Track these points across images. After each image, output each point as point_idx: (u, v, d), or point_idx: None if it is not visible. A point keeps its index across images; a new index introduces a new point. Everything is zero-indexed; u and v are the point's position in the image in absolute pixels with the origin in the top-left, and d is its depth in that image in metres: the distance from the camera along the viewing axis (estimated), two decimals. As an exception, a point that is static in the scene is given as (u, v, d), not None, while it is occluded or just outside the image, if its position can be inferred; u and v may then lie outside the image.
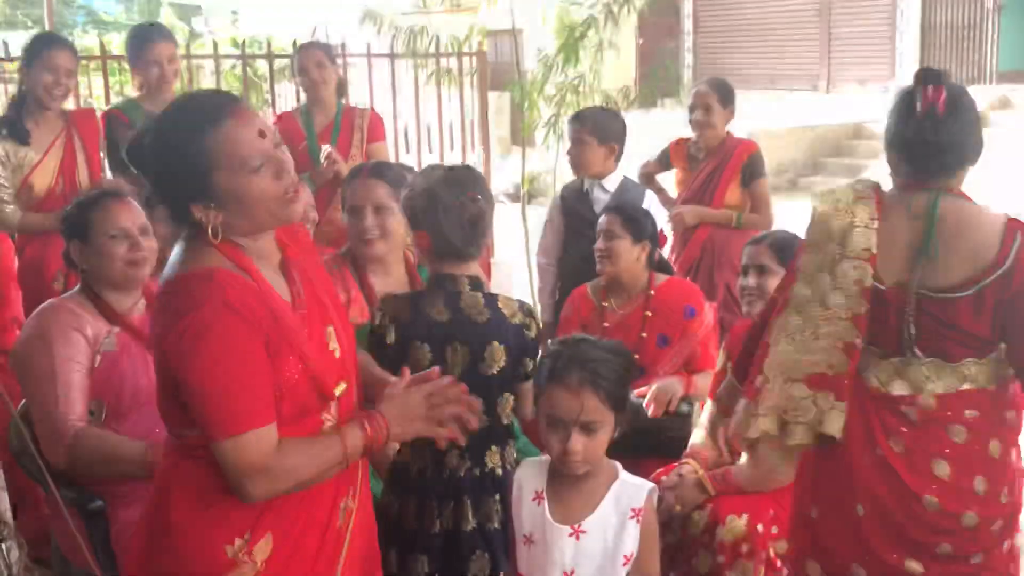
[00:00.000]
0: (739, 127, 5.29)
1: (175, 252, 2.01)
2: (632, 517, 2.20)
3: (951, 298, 2.40)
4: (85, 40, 16.29)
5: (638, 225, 3.77)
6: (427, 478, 2.53)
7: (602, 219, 3.81)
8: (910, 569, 2.46)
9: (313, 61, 4.78)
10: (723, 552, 3.00)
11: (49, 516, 2.75)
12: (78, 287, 2.89)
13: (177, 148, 1.93)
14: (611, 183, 4.37)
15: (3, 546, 2.37)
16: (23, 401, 2.87)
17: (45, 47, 4.23)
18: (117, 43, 10.26)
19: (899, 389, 2.48)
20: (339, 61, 5.27)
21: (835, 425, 2.43)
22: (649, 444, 3.39)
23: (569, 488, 2.25)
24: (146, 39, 4.46)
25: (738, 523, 3.01)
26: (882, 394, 2.49)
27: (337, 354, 2.10)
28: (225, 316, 1.89)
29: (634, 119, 10.05)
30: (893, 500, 2.46)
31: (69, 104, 4.69)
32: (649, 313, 3.76)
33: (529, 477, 2.32)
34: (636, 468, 3.26)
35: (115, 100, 6.05)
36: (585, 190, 4.44)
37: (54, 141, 4.27)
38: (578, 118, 4.52)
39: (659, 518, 3.15)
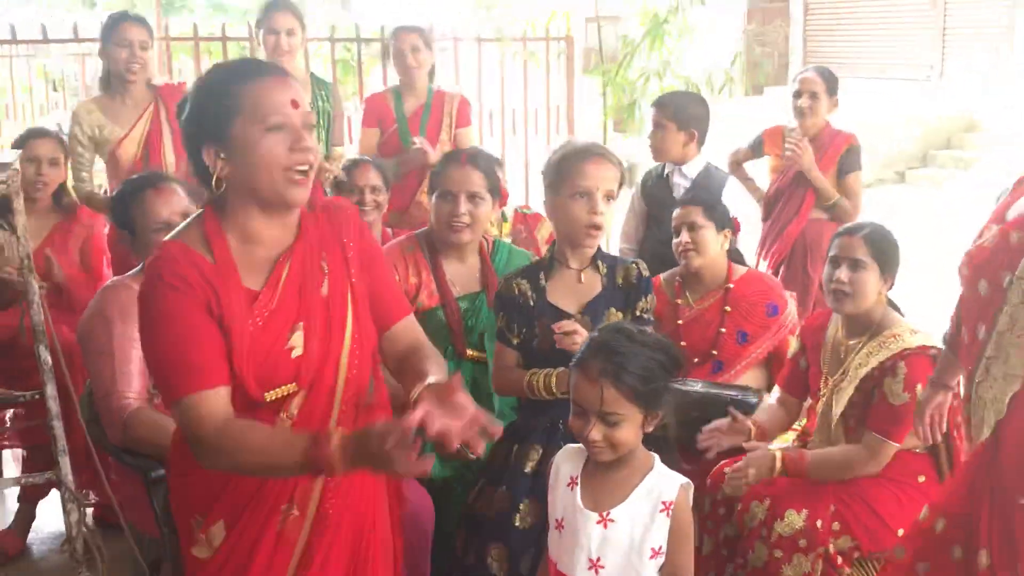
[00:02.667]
0: (848, 116, 5.14)
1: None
2: (662, 510, 2.14)
3: None
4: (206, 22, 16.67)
5: (719, 212, 3.68)
6: None
7: (678, 211, 3.71)
8: None
9: (409, 45, 4.78)
10: (780, 546, 2.94)
11: (115, 482, 2.82)
12: (140, 266, 2.94)
13: (210, 89, 1.99)
14: (692, 169, 4.27)
15: (66, 508, 2.42)
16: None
17: (117, 23, 4.30)
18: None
19: None
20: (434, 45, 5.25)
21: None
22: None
23: (602, 476, 2.21)
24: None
25: (796, 518, 2.95)
26: None
27: (295, 354, 2.02)
28: (161, 289, 1.93)
29: (737, 106, 9.90)
30: None
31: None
32: (728, 308, 3.66)
33: (566, 462, 2.29)
34: (698, 463, 3.28)
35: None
36: (665, 175, 4.35)
37: (140, 115, 4.34)
38: (658, 103, 4.42)
39: (719, 509, 3.14)
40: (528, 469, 2.70)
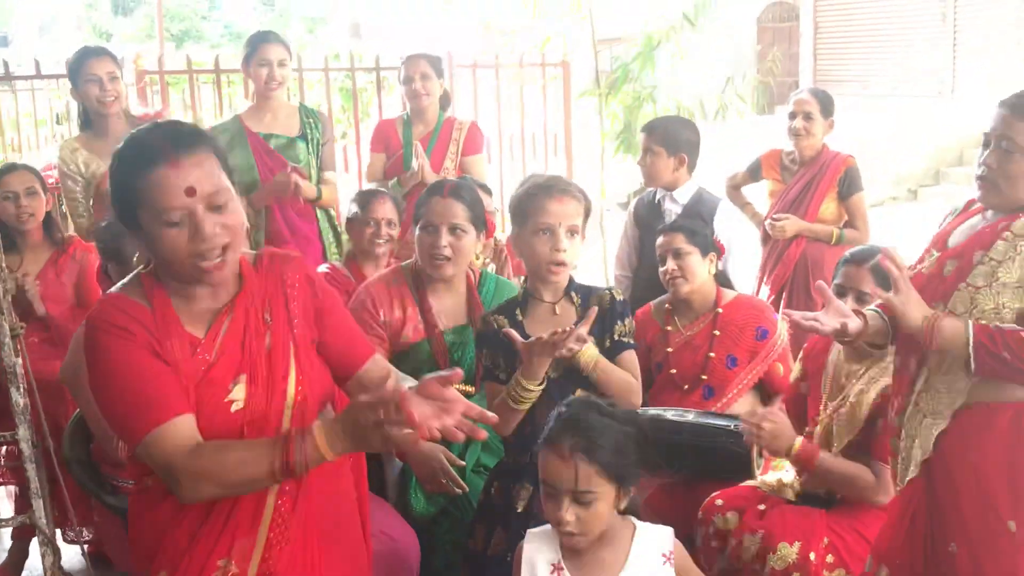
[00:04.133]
0: (859, 134, 5.11)
1: None
2: (665, 562, 2.09)
3: None
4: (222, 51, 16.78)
5: (703, 237, 3.66)
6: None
7: (661, 239, 3.69)
8: None
9: (418, 72, 4.79)
10: (773, 580, 2.88)
11: (98, 522, 2.79)
12: None
13: (117, 179, 1.97)
14: (684, 194, 4.23)
15: (41, 551, 2.40)
16: (77, 410, 2.93)
17: (82, 60, 4.30)
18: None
19: None
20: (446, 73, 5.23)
21: None
22: (704, 466, 3.26)
23: (589, 554, 2.13)
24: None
25: (790, 551, 2.89)
26: None
27: (235, 407, 1.99)
28: (104, 338, 1.92)
29: (748, 126, 9.84)
30: None
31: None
32: (717, 332, 3.63)
33: (540, 550, 2.19)
34: (691, 491, 3.25)
35: (227, 113, 6.16)
36: (656, 201, 4.31)
37: None
38: (648, 128, 4.38)
39: (711, 542, 3.08)
40: (520, 508, 2.65)
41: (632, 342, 2.71)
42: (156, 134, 1.95)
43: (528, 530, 2.25)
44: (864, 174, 4.99)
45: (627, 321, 2.70)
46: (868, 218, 4.87)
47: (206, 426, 1.94)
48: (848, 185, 4.78)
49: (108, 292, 2.03)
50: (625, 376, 2.63)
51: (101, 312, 1.96)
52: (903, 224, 9.55)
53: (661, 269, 3.66)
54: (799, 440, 2.96)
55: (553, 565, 2.17)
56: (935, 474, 2.46)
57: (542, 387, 2.53)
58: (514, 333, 2.55)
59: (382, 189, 4.31)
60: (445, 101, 4.97)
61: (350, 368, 2.19)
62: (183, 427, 1.91)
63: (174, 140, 1.93)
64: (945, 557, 2.43)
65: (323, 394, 2.14)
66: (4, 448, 3.90)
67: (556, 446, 2.08)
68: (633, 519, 2.18)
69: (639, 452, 2.08)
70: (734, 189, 5.15)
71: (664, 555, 2.11)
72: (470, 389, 3.09)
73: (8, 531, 4.07)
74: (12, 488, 4.17)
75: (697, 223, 3.78)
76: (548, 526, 2.18)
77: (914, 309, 2.42)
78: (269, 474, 1.88)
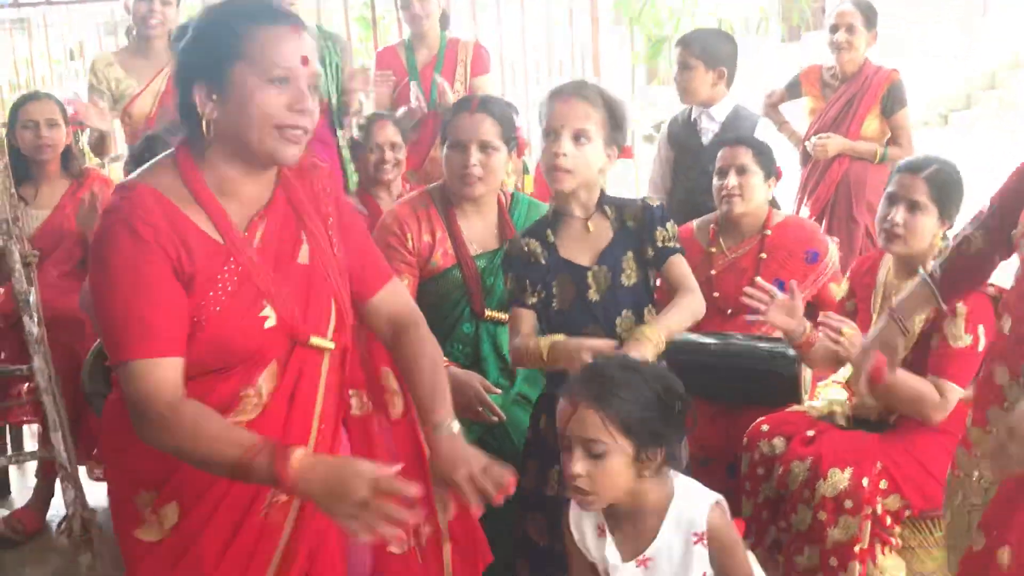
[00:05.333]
0: (888, 57, 4.92)
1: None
2: (696, 542, 1.96)
3: None
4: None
5: (768, 158, 3.48)
6: None
7: (725, 152, 3.50)
8: None
9: None
10: (824, 508, 2.76)
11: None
12: None
13: (215, 24, 1.83)
14: (721, 111, 4.05)
15: (63, 486, 2.31)
16: (97, 342, 2.84)
17: None
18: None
19: None
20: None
21: None
22: (748, 391, 3.15)
23: (626, 518, 2.02)
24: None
25: (841, 477, 2.76)
26: None
27: (268, 324, 1.86)
28: (122, 236, 1.76)
29: (772, 52, 9.59)
30: None
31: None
32: (764, 255, 3.48)
33: (585, 515, 2.09)
34: (735, 418, 3.15)
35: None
36: (693, 119, 4.13)
37: (158, 72, 4.26)
38: (684, 42, 4.16)
39: (757, 469, 2.95)
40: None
41: (678, 246, 2.53)
42: (263, 3, 1.85)
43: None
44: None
45: (669, 226, 2.51)
46: (911, 135, 4.69)
47: (237, 341, 1.82)
48: (892, 101, 4.61)
49: (137, 179, 1.84)
50: (680, 310, 2.44)
51: (131, 204, 1.78)
52: (935, 148, 9.33)
53: (718, 183, 3.49)
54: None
55: (599, 525, 2.06)
56: None
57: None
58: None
59: (383, 113, 4.18)
60: (444, 21, 4.80)
61: (364, 293, 2.08)
62: (171, 371, 1.77)
63: (285, 10, 1.87)
64: None
65: (354, 321, 2.02)
66: (25, 385, 3.83)
67: (569, 394, 1.95)
68: (673, 483, 2.02)
69: (664, 412, 1.93)
70: (772, 107, 4.97)
71: (695, 535, 1.97)
72: (503, 316, 2.96)
73: (33, 470, 4.02)
74: (36, 428, 4.12)
75: (766, 143, 3.57)
76: None
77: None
78: (231, 467, 1.72)
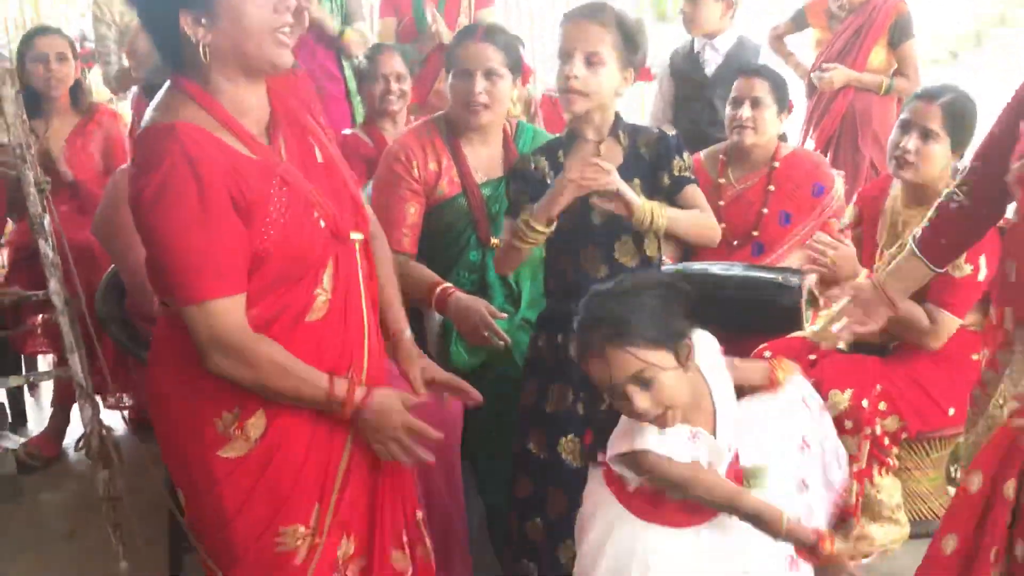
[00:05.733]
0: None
1: (154, 99, 1.88)
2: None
3: None
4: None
5: (783, 91, 3.50)
6: None
7: (741, 82, 3.50)
8: None
9: None
10: (825, 428, 2.82)
11: (136, 380, 2.77)
12: None
13: None
14: (724, 42, 4.05)
15: (80, 405, 2.38)
16: (110, 268, 2.89)
17: None
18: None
19: None
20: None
21: None
22: (752, 320, 3.18)
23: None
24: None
25: (841, 398, 2.84)
26: None
27: (322, 223, 1.93)
28: (183, 175, 1.76)
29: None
30: None
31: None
32: (772, 187, 3.51)
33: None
34: (739, 347, 3.12)
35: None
36: (695, 52, 4.12)
37: None
38: None
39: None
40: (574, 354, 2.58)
41: (693, 177, 2.55)
42: None
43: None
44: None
45: (685, 156, 2.52)
46: (919, 66, 4.67)
47: (304, 250, 1.90)
48: (899, 32, 4.57)
49: (164, 118, 1.83)
50: (692, 214, 2.46)
51: (177, 145, 1.78)
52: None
53: (731, 112, 3.50)
54: (864, 272, 2.84)
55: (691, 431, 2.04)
56: None
57: (551, 229, 2.41)
58: None
59: (388, 44, 4.18)
60: None
61: None
62: (242, 306, 1.84)
63: None
64: None
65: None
66: (40, 316, 3.90)
67: (588, 350, 1.97)
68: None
69: (675, 309, 1.97)
70: (777, 39, 4.96)
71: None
72: (511, 242, 2.99)
73: (49, 400, 4.11)
74: (52, 359, 4.20)
75: (782, 76, 3.58)
76: None
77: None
78: (303, 398, 1.91)
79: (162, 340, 1.99)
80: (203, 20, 1.81)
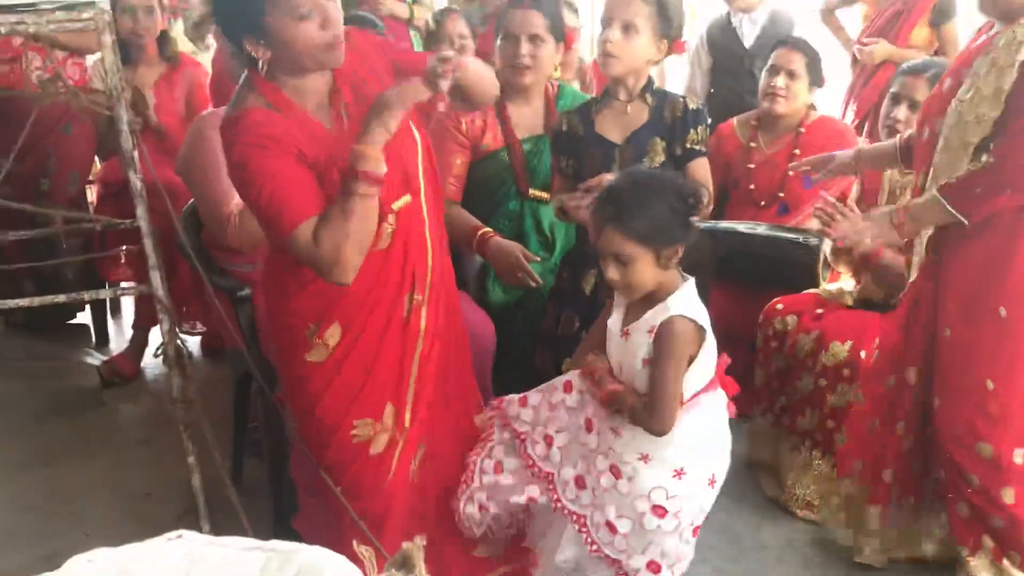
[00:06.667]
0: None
1: (234, 94, 2.26)
2: (649, 332, 2.27)
3: None
4: None
5: (817, 68, 3.72)
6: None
7: (781, 52, 3.73)
8: None
9: None
10: (825, 376, 3.08)
11: (209, 305, 3.10)
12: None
13: None
14: (760, 15, 4.25)
15: (159, 317, 2.73)
16: (189, 202, 3.22)
17: None
18: None
19: None
20: None
21: None
22: (772, 276, 3.42)
23: (641, 300, 2.33)
24: None
25: (841, 349, 3.07)
26: None
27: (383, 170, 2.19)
28: (252, 151, 2.14)
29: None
30: None
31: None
32: (798, 151, 3.72)
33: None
34: (759, 300, 3.40)
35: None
36: (733, 25, 4.33)
37: None
38: None
39: (771, 342, 3.26)
40: (588, 291, 2.92)
41: (704, 149, 2.83)
42: None
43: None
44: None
45: (700, 129, 2.81)
46: (959, 47, 4.80)
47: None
48: (941, 12, 4.72)
49: (239, 108, 2.20)
50: None
51: (245, 125, 2.15)
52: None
53: (766, 80, 3.75)
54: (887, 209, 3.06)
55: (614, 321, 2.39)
56: (940, 269, 2.63)
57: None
58: None
59: (454, 7, 4.44)
60: None
61: None
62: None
63: None
64: (940, 342, 2.63)
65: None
66: (124, 247, 4.26)
67: (597, 215, 2.29)
68: (676, 293, 2.29)
69: (675, 218, 2.24)
70: (828, 12, 5.12)
71: (651, 328, 2.27)
72: (546, 196, 3.28)
73: (129, 321, 4.50)
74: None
75: (817, 52, 3.79)
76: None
77: (873, 227, 2.69)
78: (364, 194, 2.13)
79: (268, 263, 2.41)
80: (261, 42, 2.17)
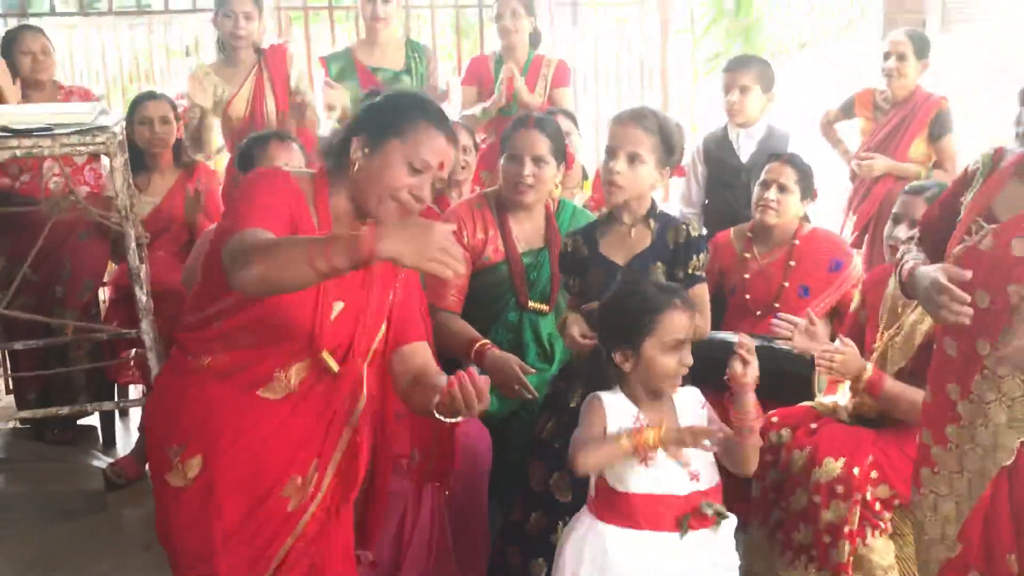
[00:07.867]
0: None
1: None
2: (703, 407, 2.48)
3: None
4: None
5: (808, 182, 3.79)
6: None
7: (774, 166, 3.80)
8: None
9: (509, 8, 4.94)
10: (819, 492, 3.08)
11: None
12: None
13: (394, 104, 2.27)
14: (757, 130, 4.35)
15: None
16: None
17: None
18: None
19: None
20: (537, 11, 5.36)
21: None
22: (768, 387, 3.40)
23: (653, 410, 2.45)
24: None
25: (834, 465, 3.07)
26: None
27: (332, 316, 2.22)
28: (265, 179, 2.21)
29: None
30: None
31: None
32: (793, 263, 3.77)
33: (614, 405, 2.47)
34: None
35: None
36: (730, 139, 4.44)
37: (247, 76, 4.70)
38: (743, 66, 4.46)
39: (766, 455, 3.24)
40: (572, 404, 2.94)
41: (703, 275, 2.93)
42: (435, 104, 2.32)
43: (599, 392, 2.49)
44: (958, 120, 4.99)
45: (702, 256, 2.91)
46: (956, 160, 4.90)
47: (289, 322, 2.20)
48: (939, 126, 4.82)
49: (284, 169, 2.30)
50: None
51: (271, 172, 2.26)
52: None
53: (758, 193, 3.81)
54: (870, 366, 3.11)
55: (633, 416, 2.45)
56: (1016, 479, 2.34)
57: None
58: None
59: (456, 121, 4.57)
60: (535, 39, 5.10)
61: (404, 337, 2.43)
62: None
63: (449, 123, 2.30)
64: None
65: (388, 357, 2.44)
66: (133, 350, 4.33)
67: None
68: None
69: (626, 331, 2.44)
70: (828, 126, 5.23)
71: (700, 403, 2.46)
72: (544, 308, 3.35)
73: (136, 425, 4.52)
74: (141, 388, 4.63)
75: (809, 167, 3.87)
76: (618, 393, 2.48)
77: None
78: (324, 248, 1.92)
79: (160, 377, 2.40)
80: (366, 149, 2.21)
